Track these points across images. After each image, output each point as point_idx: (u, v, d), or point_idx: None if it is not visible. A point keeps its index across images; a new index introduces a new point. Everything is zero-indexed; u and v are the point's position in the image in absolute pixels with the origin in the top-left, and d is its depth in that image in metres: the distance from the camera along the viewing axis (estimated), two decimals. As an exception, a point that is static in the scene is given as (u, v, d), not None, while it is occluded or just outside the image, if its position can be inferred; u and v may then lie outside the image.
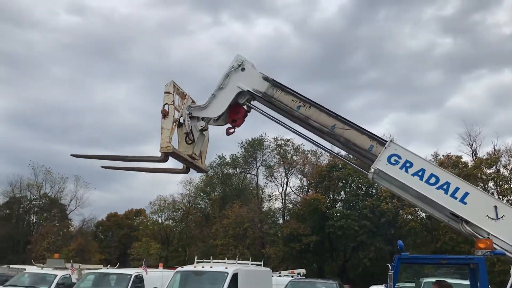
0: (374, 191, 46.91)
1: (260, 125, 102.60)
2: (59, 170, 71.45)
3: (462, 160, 45.33)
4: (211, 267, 15.61)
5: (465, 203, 7.04)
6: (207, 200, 61.67)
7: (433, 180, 7.23)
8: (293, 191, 54.76)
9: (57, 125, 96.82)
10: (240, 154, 57.10)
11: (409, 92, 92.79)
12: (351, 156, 8.50)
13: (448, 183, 7.17)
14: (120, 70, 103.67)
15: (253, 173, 57.70)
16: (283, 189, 54.24)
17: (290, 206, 54.00)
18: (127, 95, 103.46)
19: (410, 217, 44.52)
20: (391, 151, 7.55)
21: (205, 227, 56.93)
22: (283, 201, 54.28)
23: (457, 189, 7.13)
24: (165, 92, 8.58)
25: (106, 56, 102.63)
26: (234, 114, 8.86)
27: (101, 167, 9.66)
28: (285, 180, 54.04)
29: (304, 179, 53.72)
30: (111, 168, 9.80)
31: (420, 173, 7.30)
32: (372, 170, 7.62)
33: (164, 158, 8.57)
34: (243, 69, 8.53)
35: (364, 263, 43.38)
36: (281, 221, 53.93)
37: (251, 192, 57.91)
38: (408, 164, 7.40)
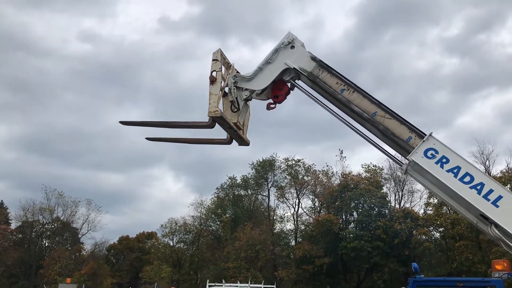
0: (386, 211, 46.37)
1: (271, 146, 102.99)
2: (71, 194, 71.85)
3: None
4: (223, 290, 15.46)
5: (497, 206, 6.88)
6: (218, 222, 61.43)
7: (467, 179, 7.08)
8: (305, 212, 54.46)
9: (69, 150, 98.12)
10: (251, 175, 57.01)
11: (417, 112, 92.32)
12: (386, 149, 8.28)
13: (482, 184, 7.02)
14: (130, 96, 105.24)
15: (264, 194, 57.59)
16: (294, 210, 53.95)
17: (302, 227, 53.54)
18: (137, 119, 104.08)
19: (424, 237, 43.83)
20: (429, 144, 7.41)
21: (217, 250, 56.52)
22: (295, 222, 53.89)
23: (491, 191, 6.97)
24: (213, 60, 8.71)
25: (116, 82, 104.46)
26: (277, 90, 8.89)
27: (146, 138, 9.74)
28: (297, 201, 53.79)
29: (315, 199, 53.36)
30: (155, 140, 9.87)
31: (455, 170, 7.15)
32: (407, 161, 7.53)
33: (211, 123, 8.64)
34: (292, 47, 8.58)
35: (378, 285, 42.57)
36: (293, 243, 53.44)
37: (263, 213, 57.62)
38: (444, 160, 7.25)
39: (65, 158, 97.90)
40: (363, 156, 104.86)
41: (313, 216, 51.66)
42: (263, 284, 18.63)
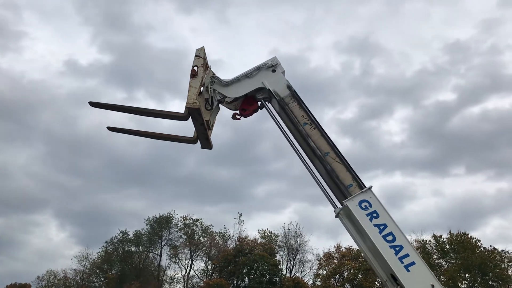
0: (277, 279, 46.66)
1: (168, 203, 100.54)
2: None
3: (363, 254, 46.96)
4: None
5: (408, 271, 7.22)
6: (102, 279, 57.26)
7: (390, 238, 7.46)
8: (196, 274, 52.98)
9: None
10: (145, 231, 54.78)
11: (312, 184, 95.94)
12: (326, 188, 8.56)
13: (401, 247, 7.40)
14: (22, 134, 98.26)
15: (156, 252, 55.32)
16: (186, 271, 52.28)
17: (192, 290, 51.78)
18: (26, 160, 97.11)
19: (311, 308, 44.44)
20: (365, 196, 7.78)
21: (97, 309, 52.35)
22: (185, 284, 52.04)
23: (407, 255, 7.34)
24: (196, 56, 9.03)
25: (9, 118, 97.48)
26: (247, 105, 9.17)
27: (108, 128, 9.24)
28: (190, 262, 52.30)
29: (209, 262, 52.32)
30: (118, 130, 9.42)
31: (381, 227, 7.54)
32: (342, 206, 7.85)
33: (187, 115, 8.67)
34: (273, 71, 9.03)
35: None
36: (180, 306, 51.27)
37: (152, 273, 54.99)
38: (375, 215, 7.63)
39: None
40: (259, 222, 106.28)
41: (204, 280, 50.37)
42: None
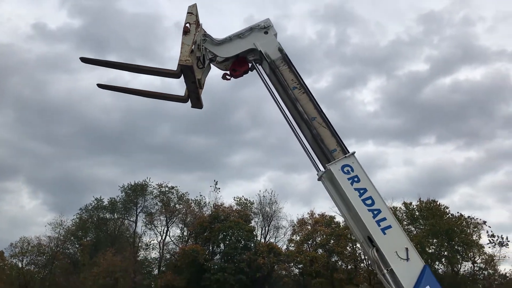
0: (252, 245, 47.56)
1: (141, 170, 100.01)
2: None
3: (335, 220, 48.27)
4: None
5: (385, 234, 7.58)
6: (77, 245, 57.22)
7: (369, 202, 7.78)
8: (172, 241, 53.41)
9: None
10: (120, 198, 54.64)
11: (286, 153, 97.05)
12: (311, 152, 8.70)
13: (379, 211, 7.73)
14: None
15: (131, 219, 55.37)
16: (162, 238, 52.65)
17: (168, 256, 52.35)
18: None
19: (284, 272, 45.60)
20: (348, 161, 8.03)
21: (72, 275, 52.42)
22: (161, 250, 52.52)
23: (384, 219, 7.68)
24: (188, 13, 8.94)
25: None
26: (238, 65, 9.18)
27: (98, 85, 9.15)
28: (165, 229, 52.63)
29: (185, 229, 52.79)
30: (108, 88, 9.30)
31: (361, 191, 7.84)
32: (324, 169, 8.09)
33: (179, 72, 8.60)
34: (266, 32, 9.00)
35: (238, 318, 43.04)
36: (156, 271, 51.85)
37: (127, 239, 55.21)
38: (356, 179, 7.91)
39: None
40: (235, 190, 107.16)
41: (180, 246, 50.93)
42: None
